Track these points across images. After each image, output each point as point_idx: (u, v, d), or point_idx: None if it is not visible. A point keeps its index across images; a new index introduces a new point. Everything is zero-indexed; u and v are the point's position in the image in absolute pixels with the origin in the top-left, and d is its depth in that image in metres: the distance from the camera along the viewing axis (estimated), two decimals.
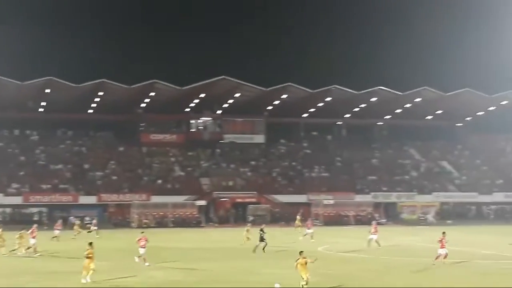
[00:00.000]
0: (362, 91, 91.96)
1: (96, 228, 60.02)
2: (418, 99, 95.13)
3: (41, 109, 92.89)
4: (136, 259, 36.86)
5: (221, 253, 44.48)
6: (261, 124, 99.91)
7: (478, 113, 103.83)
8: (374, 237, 47.71)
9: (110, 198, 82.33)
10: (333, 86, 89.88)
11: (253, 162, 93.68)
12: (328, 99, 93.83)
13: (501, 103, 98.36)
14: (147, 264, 36.02)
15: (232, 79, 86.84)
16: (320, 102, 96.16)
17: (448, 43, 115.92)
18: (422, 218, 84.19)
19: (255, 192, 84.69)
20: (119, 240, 55.97)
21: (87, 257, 30.34)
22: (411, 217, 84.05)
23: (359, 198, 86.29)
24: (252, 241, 45.86)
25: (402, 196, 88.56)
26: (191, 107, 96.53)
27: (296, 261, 27.93)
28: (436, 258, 37.31)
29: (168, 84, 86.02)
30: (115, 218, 79.78)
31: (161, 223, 75.13)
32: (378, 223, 56.93)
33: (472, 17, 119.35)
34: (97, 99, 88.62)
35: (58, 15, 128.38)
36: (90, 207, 79.31)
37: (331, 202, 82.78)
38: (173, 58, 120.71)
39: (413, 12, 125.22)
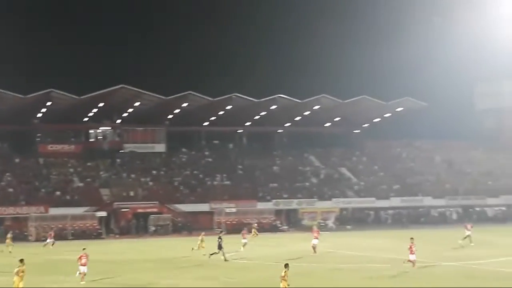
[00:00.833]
0: (262, 99, 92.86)
1: None
2: (316, 107, 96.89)
3: None
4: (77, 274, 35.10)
5: (122, 266, 43.71)
6: (161, 133, 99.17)
7: (374, 120, 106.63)
8: (316, 241, 48.14)
9: (6, 211, 79.59)
10: (233, 94, 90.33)
11: (154, 172, 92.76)
12: (229, 107, 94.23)
13: (396, 109, 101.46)
14: (82, 282, 34.31)
15: (132, 87, 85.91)
16: (220, 110, 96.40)
17: (345, 51, 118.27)
18: (323, 224, 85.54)
19: (156, 202, 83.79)
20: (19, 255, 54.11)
21: (18, 275, 28.34)
22: (312, 223, 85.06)
23: (261, 205, 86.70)
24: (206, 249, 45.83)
25: (303, 203, 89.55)
26: (89, 117, 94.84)
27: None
28: (408, 261, 38.21)
29: (65, 93, 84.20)
30: (12, 232, 77.03)
31: (60, 236, 73.15)
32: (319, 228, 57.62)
33: (367, 26, 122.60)
34: None
35: None
36: None
37: (234, 210, 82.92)
38: (71, 66, 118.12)
39: (310, 20, 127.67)
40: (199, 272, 36.22)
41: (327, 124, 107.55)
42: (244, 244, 52.70)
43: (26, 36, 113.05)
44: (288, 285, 27.20)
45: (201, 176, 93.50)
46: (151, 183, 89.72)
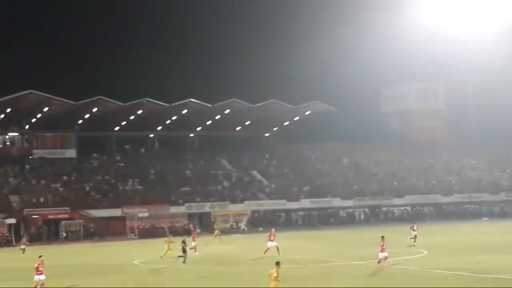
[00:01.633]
0: (174, 104, 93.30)
1: None
2: (227, 111, 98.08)
3: None
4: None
5: (32, 272, 43.39)
6: (72, 139, 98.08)
7: (284, 123, 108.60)
8: (272, 244, 48.16)
9: None
10: (144, 99, 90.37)
11: (65, 177, 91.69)
12: (140, 112, 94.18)
13: (305, 113, 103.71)
14: None
15: (40, 93, 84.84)
16: (132, 115, 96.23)
17: (255, 56, 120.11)
18: (235, 226, 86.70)
19: (67, 208, 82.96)
20: None
21: None
22: (224, 226, 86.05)
23: (173, 209, 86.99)
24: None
25: (215, 206, 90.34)
26: None
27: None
28: (378, 262, 39.12)
29: None
30: None
31: None
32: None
33: (276, 31, 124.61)
34: None
35: None
36: None
37: (146, 214, 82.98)
38: None
39: (221, 23, 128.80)
40: (109, 278, 36.54)
41: (238, 128, 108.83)
42: (195, 247, 52.02)
43: None
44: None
45: (112, 181, 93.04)
46: (61, 189, 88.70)
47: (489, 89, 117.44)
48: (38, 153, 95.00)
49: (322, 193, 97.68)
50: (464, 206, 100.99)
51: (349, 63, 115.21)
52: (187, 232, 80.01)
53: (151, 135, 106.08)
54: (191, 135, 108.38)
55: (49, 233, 79.54)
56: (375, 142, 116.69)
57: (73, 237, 78.14)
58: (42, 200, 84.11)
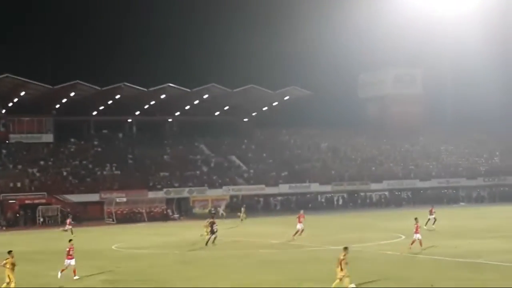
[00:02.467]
0: (152, 88, 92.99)
1: None
2: (206, 96, 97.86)
3: None
4: (59, 275, 32.27)
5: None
6: (49, 123, 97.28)
7: (263, 109, 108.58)
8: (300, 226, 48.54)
9: None
10: (122, 83, 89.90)
11: (42, 162, 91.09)
12: (118, 96, 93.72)
13: (284, 98, 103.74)
14: (76, 277, 32.16)
15: (16, 77, 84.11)
16: (109, 100, 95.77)
17: (233, 40, 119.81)
18: (214, 211, 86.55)
19: (44, 193, 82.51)
20: None
21: (8, 268, 27.24)
22: (203, 211, 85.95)
23: (152, 194, 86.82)
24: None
25: (193, 191, 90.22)
26: None
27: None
28: (412, 243, 39.40)
29: None
30: None
31: None
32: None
33: (254, 15, 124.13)
34: None
35: None
36: None
37: (124, 199, 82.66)
38: None
39: (198, 8, 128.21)
40: (87, 263, 36.39)
41: (217, 113, 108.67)
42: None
43: None
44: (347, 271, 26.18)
45: (90, 166, 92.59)
46: (38, 174, 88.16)
47: (466, 74, 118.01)
48: (14, 137, 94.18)
49: (301, 178, 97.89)
50: (442, 191, 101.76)
51: (327, 49, 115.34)
52: (165, 217, 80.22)
53: (129, 120, 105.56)
54: (170, 120, 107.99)
55: (26, 218, 79.07)
56: (353, 127, 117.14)
57: (50, 222, 77.77)
58: (19, 185, 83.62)
